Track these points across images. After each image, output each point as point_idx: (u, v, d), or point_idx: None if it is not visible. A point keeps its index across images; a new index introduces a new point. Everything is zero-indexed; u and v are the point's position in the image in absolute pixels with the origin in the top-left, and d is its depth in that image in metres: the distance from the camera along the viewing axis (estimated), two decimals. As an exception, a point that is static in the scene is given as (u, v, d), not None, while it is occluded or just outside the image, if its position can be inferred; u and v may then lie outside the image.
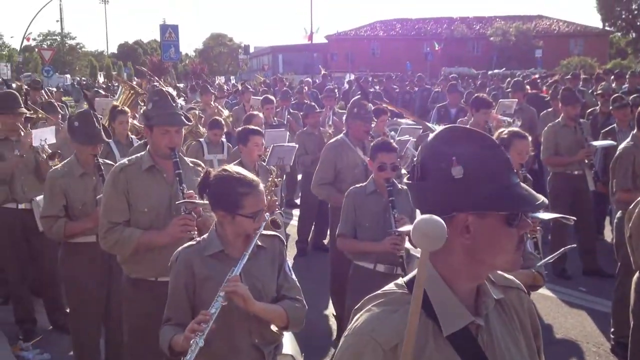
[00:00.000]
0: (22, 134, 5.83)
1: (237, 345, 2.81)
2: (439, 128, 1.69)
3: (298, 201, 9.74)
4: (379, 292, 1.65)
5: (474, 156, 1.52)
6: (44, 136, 5.77)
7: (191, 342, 2.57)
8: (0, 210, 5.94)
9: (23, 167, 5.85)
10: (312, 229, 8.85)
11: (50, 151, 5.83)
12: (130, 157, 3.98)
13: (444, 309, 1.55)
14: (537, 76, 17.70)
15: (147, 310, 3.68)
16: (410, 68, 35.15)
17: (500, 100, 9.47)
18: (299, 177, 9.62)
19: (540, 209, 1.57)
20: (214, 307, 2.63)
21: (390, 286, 1.66)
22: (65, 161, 4.86)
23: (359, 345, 1.55)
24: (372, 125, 6.16)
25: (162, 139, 3.69)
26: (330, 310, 6.37)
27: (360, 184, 4.63)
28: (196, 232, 3.54)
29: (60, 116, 8.90)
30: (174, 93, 8.16)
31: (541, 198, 1.55)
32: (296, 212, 9.69)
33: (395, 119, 11.51)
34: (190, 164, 3.92)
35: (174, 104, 3.76)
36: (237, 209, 2.79)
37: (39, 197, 5.85)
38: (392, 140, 6.82)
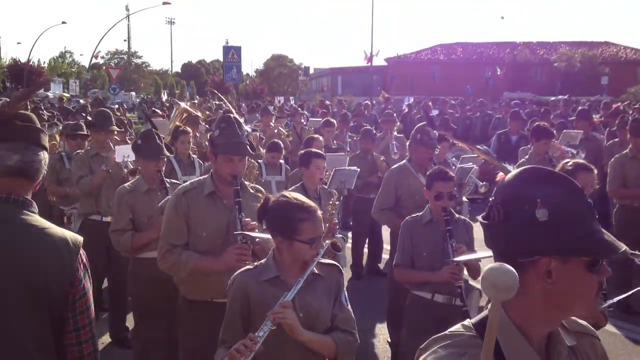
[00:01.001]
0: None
1: None
2: (514, 168, 1.65)
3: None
4: (445, 332, 1.61)
5: (559, 200, 1.48)
6: (127, 152, 5.94)
7: None
8: (86, 220, 6.22)
9: (110, 181, 6.08)
10: (367, 252, 8.82)
11: (132, 167, 6.01)
12: (192, 180, 4.05)
13: (515, 356, 1.51)
14: (619, 105, 16.96)
15: (202, 331, 3.73)
16: (471, 92, 34.80)
17: (565, 131, 9.25)
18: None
19: (624, 257, 1.51)
20: (262, 330, 2.64)
21: (458, 327, 1.62)
22: (133, 180, 5.08)
23: None
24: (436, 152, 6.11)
25: (225, 166, 3.73)
26: (384, 336, 6.29)
27: (416, 214, 4.60)
28: (250, 262, 3.55)
29: (127, 132, 9.21)
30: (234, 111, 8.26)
31: (623, 246, 1.50)
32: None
33: (460, 145, 11.35)
34: (251, 190, 3.94)
35: (240, 132, 3.79)
36: (294, 234, 2.79)
37: None
38: (453, 167, 6.77)
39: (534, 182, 1.53)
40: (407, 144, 6.27)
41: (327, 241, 2.99)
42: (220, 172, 3.76)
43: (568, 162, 4.43)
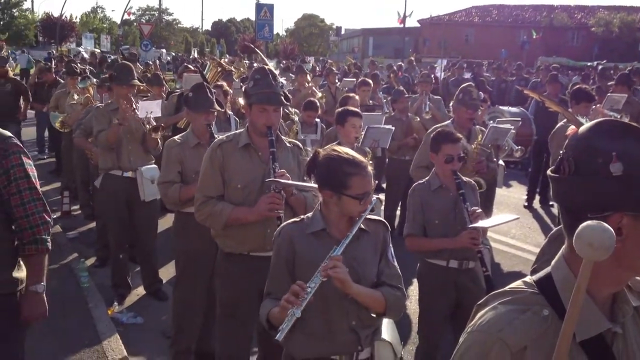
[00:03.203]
0: (125, 105, 5.99)
1: (334, 326, 2.79)
2: (588, 122, 1.58)
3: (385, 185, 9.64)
4: (505, 289, 1.58)
5: (635, 154, 1.41)
6: (150, 108, 5.92)
7: (288, 312, 2.57)
8: (107, 176, 6.21)
9: (130, 137, 6.08)
10: (399, 214, 8.79)
11: (154, 124, 6.00)
12: (229, 134, 4.02)
13: (580, 315, 1.46)
14: None
15: (238, 283, 3.77)
16: (506, 56, 34.15)
17: (609, 94, 9.02)
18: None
19: None
20: (313, 281, 2.62)
21: (518, 284, 1.58)
22: (183, 133, 5.04)
23: (485, 345, 1.49)
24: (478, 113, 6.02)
25: (259, 117, 3.70)
26: (415, 297, 6.28)
27: (423, 180, 4.47)
28: (282, 212, 3.56)
29: (164, 88, 9.24)
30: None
31: None
32: (382, 197, 9.61)
33: (496, 106, 11.19)
34: (288, 144, 3.93)
35: (274, 83, 3.75)
36: (343, 189, 2.75)
37: (144, 167, 6.06)
38: (488, 128, 6.63)
39: (609, 134, 1.45)
40: (451, 105, 6.15)
41: (376, 197, 2.95)
42: (255, 123, 3.74)
43: None
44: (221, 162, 3.76)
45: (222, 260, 3.92)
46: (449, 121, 5.98)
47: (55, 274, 6.77)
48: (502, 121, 7.54)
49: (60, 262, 7.13)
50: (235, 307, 3.81)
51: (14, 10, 64.20)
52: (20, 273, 3.15)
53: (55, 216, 9.11)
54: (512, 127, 6.88)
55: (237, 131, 4.04)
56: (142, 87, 8.26)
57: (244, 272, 3.75)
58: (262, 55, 8.00)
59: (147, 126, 5.97)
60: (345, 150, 2.89)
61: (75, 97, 9.12)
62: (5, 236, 3.05)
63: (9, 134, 3.09)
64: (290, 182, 3.56)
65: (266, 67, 3.96)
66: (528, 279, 1.59)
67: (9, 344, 3.08)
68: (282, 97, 3.78)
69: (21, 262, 3.16)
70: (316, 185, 3.63)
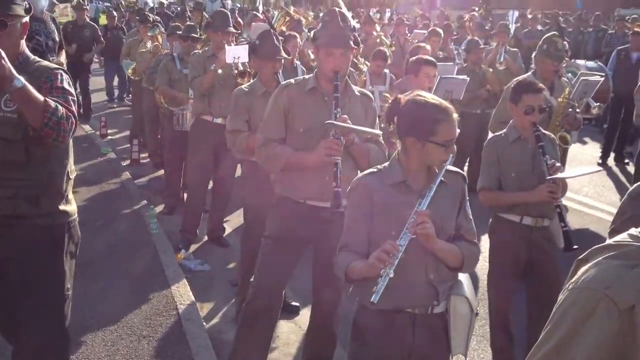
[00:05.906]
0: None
1: (412, 280, 2.70)
2: None
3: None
4: (609, 242, 1.46)
5: None
6: (237, 54, 5.82)
7: (382, 272, 2.50)
8: (198, 120, 6.35)
9: (223, 82, 6.10)
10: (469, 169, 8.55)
11: (242, 68, 5.94)
12: (297, 78, 3.95)
13: None
14: None
15: (288, 221, 3.75)
16: (582, 6, 32.51)
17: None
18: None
19: None
20: (403, 239, 2.54)
21: (624, 236, 1.44)
22: (251, 82, 5.00)
23: (590, 302, 1.37)
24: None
25: (326, 61, 3.59)
26: (486, 254, 6.15)
27: (500, 132, 4.27)
28: (340, 159, 3.46)
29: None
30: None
31: None
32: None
33: (573, 60, 10.67)
34: (357, 93, 3.80)
35: (342, 25, 3.60)
36: (429, 135, 2.62)
37: None
38: (566, 82, 6.29)
39: None
40: (533, 56, 5.84)
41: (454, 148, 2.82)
42: (322, 66, 3.64)
43: None
44: (286, 104, 3.70)
45: (277, 201, 3.87)
46: (529, 73, 5.69)
47: (125, 220, 6.92)
48: (584, 74, 7.13)
49: (129, 208, 7.27)
50: (280, 240, 3.79)
51: (84, -39, 65.21)
52: (71, 206, 3.17)
53: (125, 164, 9.31)
54: (601, 79, 6.43)
55: (305, 76, 3.96)
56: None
57: (297, 214, 3.71)
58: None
59: (235, 71, 5.93)
60: (431, 95, 2.76)
61: (148, 45, 9.17)
62: (58, 170, 3.04)
63: (55, 65, 3.06)
64: (349, 125, 3.45)
65: (337, 9, 3.80)
66: (634, 231, 1.45)
67: (55, 276, 3.10)
68: (351, 40, 3.62)
69: (71, 197, 3.16)
70: (378, 132, 3.59)
